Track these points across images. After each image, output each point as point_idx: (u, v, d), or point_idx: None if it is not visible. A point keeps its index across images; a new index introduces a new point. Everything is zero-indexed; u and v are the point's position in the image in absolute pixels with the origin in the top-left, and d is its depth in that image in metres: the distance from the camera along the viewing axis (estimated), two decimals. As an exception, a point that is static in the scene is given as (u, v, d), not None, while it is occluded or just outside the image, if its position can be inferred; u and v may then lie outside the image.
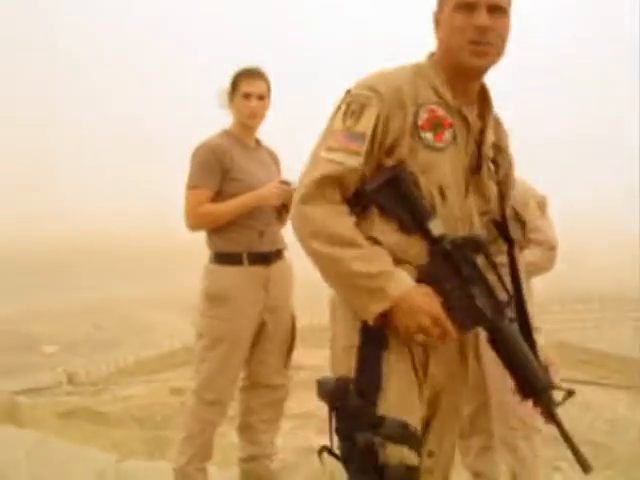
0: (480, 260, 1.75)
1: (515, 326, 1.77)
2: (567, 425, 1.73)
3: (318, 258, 1.70)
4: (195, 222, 3.09)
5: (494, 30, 1.70)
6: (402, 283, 1.65)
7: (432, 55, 1.83)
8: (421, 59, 1.85)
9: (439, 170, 1.73)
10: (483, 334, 1.81)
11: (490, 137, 1.85)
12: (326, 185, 1.70)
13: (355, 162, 1.69)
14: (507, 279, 1.86)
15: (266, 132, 3.34)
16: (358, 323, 1.70)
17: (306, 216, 1.71)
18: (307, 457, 4.37)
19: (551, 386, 1.74)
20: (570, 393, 1.73)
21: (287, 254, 3.25)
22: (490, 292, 1.73)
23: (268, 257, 3.10)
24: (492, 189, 1.86)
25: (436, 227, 1.70)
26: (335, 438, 1.70)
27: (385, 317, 1.66)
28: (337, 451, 1.71)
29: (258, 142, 3.29)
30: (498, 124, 1.93)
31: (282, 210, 3.20)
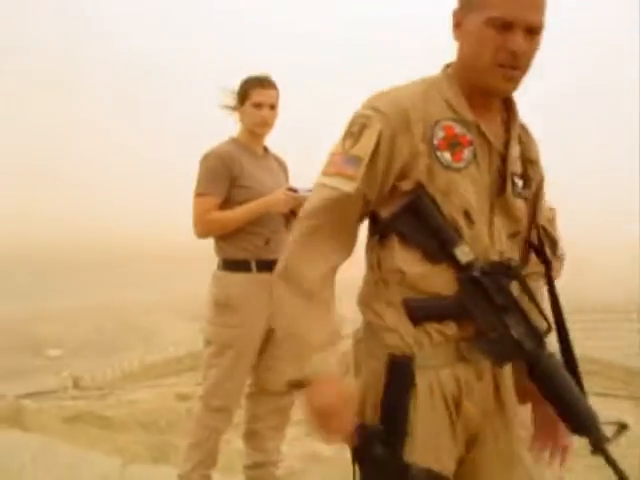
0: (514, 286, 1.62)
1: (556, 357, 1.61)
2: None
3: (279, 299, 1.64)
4: (203, 229, 3.09)
5: (527, 54, 1.53)
6: (322, 366, 1.51)
7: (447, 67, 1.66)
8: (435, 72, 1.67)
9: (461, 192, 1.57)
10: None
11: (515, 151, 1.67)
12: (319, 225, 1.57)
13: (349, 188, 1.53)
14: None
15: (274, 139, 3.35)
16: (384, 357, 1.58)
17: (290, 257, 1.64)
18: (313, 464, 4.37)
19: (601, 421, 1.58)
20: (623, 427, 1.61)
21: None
22: (527, 321, 1.58)
23: (276, 264, 3.10)
24: (521, 208, 1.68)
25: (463, 253, 1.55)
26: None
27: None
28: None
29: (266, 149, 3.30)
30: (526, 134, 1.74)
31: (290, 217, 3.21)
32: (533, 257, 1.78)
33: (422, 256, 1.56)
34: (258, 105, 3.12)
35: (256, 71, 3.22)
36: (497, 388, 1.67)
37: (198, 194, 3.07)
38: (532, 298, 1.65)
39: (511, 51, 1.50)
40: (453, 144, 1.57)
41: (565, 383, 1.57)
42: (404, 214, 1.56)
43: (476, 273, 1.56)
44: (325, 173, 1.60)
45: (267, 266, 3.08)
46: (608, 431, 1.57)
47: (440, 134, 1.56)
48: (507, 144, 1.64)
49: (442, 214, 1.55)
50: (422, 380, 1.55)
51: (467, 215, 1.57)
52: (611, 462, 1.53)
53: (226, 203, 3.06)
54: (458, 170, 1.57)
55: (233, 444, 4.23)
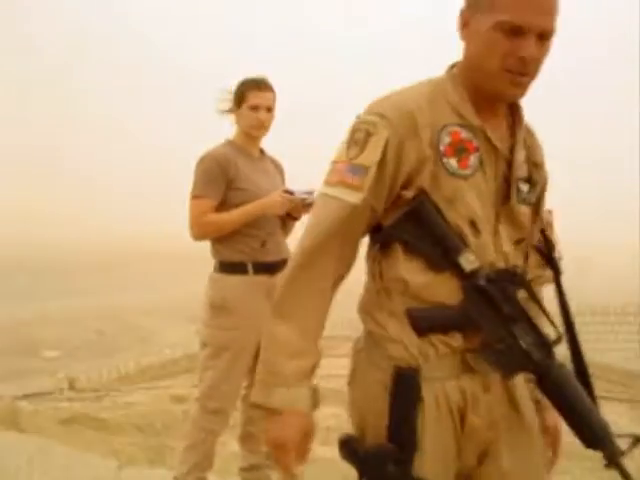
0: (520, 294, 1.56)
1: (567, 367, 1.55)
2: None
3: (268, 327, 1.57)
4: (199, 232, 3.10)
5: (536, 59, 1.46)
6: (288, 401, 1.48)
7: (452, 68, 1.59)
8: (440, 74, 1.61)
9: (467, 200, 1.50)
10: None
11: (521, 155, 1.61)
12: (322, 245, 1.49)
13: (355, 199, 1.46)
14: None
15: (269, 141, 3.35)
16: (389, 369, 1.52)
17: (284, 297, 1.55)
18: (309, 466, 4.36)
19: (614, 433, 1.52)
20: (638, 440, 1.52)
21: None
22: (535, 330, 1.52)
23: (273, 267, 3.11)
24: (525, 214, 1.63)
25: (468, 261, 1.49)
26: None
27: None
28: None
29: (262, 152, 3.30)
30: (531, 137, 1.69)
31: (286, 219, 3.21)
32: (532, 261, 1.72)
33: (425, 265, 1.51)
34: (255, 108, 3.13)
35: (258, 64, 3.22)
36: (511, 399, 1.61)
37: (194, 196, 3.08)
38: (540, 306, 1.61)
39: (520, 57, 1.44)
40: (459, 150, 1.51)
41: (576, 394, 1.52)
42: (406, 221, 1.50)
43: (481, 281, 1.50)
44: (328, 183, 1.53)
45: (264, 268, 3.09)
46: (622, 444, 1.51)
47: (446, 140, 1.50)
48: (513, 149, 1.59)
49: (446, 222, 1.49)
50: (428, 392, 1.50)
51: (473, 224, 1.51)
52: (626, 476, 1.48)
53: (222, 205, 3.06)
54: (464, 177, 1.51)
55: (229, 446, 4.22)
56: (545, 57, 1.49)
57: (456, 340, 1.52)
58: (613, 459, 1.49)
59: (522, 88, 1.51)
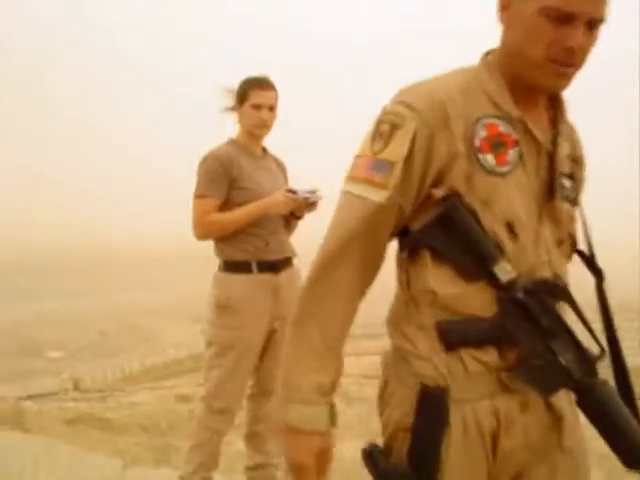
0: (560, 305, 1.43)
1: (609, 385, 1.41)
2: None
3: (288, 342, 1.43)
4: (202, 231, 3.10)
5: (584, 49, 1.34)
6: (305, 419, 1.39)
7: (487, 55, 1.46)
8: (474, 61, 1.47)
9: (505, 200, 1.37)
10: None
11: (564, 149, 1.48)
12: (345, 250, 1.37)
13: (380, 197, 1.34)
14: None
15: (272, 140, 3.34)
16: (415, 387, 1.40)
17: (304, 306, 1.41)
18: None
19: None
20: None
21: (296, 262, 3.25)
22: (576, 345, 1.39)
23: (277, 265, 3.11)
24: (568, 211, 1.50)
25: (504, 271, 1.36)
26: None
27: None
28: None
29: (265, 150, 3.30)
30: (572, 130, 1.56)
31: (290, 219, 3.21)
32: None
33: (456, 274, 1.38)
34: (257, 107, 3.12)
35: (257, 66, 3.22)
36: (553, 419, 1.47)
37: (197, 196, 3.07)
38: (583, 320, 1.44)
39: (567, 47, 1.31)
40: (496, 145, 1.37)
41: (620, 413, 1.38)
42: (436, 226, 1.37)
43: (519, 293, 1.37)
44: (350, 179, 1.40)
45: (268, 267, 3.09)
46: None
47: (482, 133, 1.36)
48: (555, 142, 1.45)
49: (480, 226, 1.36)
50: (456, 415, 1.37)
51: (510, 227, 1.38)
52: None
53: (225, 205, 3.06)
54: (502, 175, 1.37)
55: (234, 446, 4.22)
56: (592, 47, 1.36)
57: (490, 356, 1.38)
58: None
59: (567, 80, 1.38)
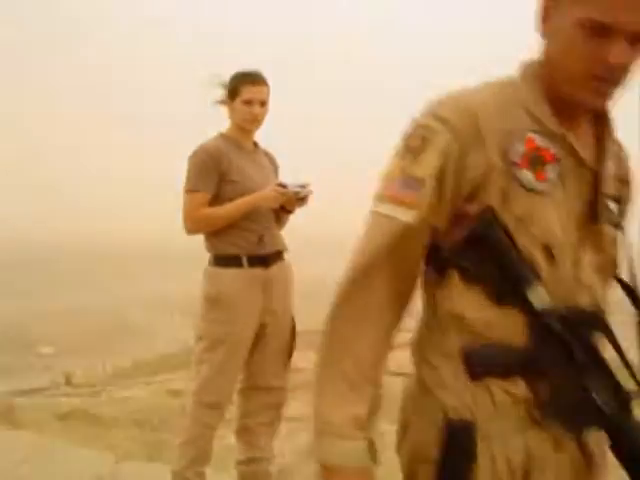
0: (595, 337, 1.32)
1: None
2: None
3: (315, 377, 1.32)
4: (193, 226, 3.10)
5: (627, 65, 1.23)
6: (340, 456, 1.26)
7: (526, 66, 1.36)
8: (513, 73, 1.37)
9: (543, 220, 1.27)
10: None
11: (610, 168, 1.36)
12: (372, 277, 1.27)
13: (410, 217, 1.24)
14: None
15: (264, 135, 3.35)
16: (439, 421, 1.30)
17: (331, 333, 1.30)
18: (305, 460, 4.37)
19: None
20: None
21: (286, 256, 3.25)
22: (612, 382, 1.28)
23: (267, 259, 3.11)
24: (612, 236, 1.38)
25: (539, 297, 1.25)
26: None
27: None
28: None
29: (255, 145, 3.30)
30: (619, 148, 1.44)
31: (281, 213, 3.21)
32: None
33: (487, 297, 1.28)
34: (248, 102, 3.12)
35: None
36: (587, 460, 1.36)
37: (187, 190, 3.07)
38: (621, 354, 1.33)
39: (606, 63, 1.21)
40: (535, 160, 1.27)
41: None
42: (468, 245, 1.27)
43: (553, 322, 1.25)
44: (378, 198, 1.30)
45: (258, 261, 3.09)
46: None
47: (520, 148, 1.27)
48: (599, 161, 1.33)
49: (515, 247, 1.26)
50: (484, 452, 1.27)
51: (547, 250, 1.27)
52: None
53: (216, 199, 3.06)
54: (540, 193, 1.27)
55: (226, 440, 4.23)
56: (637, 62, 1.25)
57: (519, 388, 1.28)
58: None
59: (606, 98, 1.28)
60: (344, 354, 1.27)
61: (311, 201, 3.20)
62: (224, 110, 3.24)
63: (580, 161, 1.31)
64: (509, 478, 1.29)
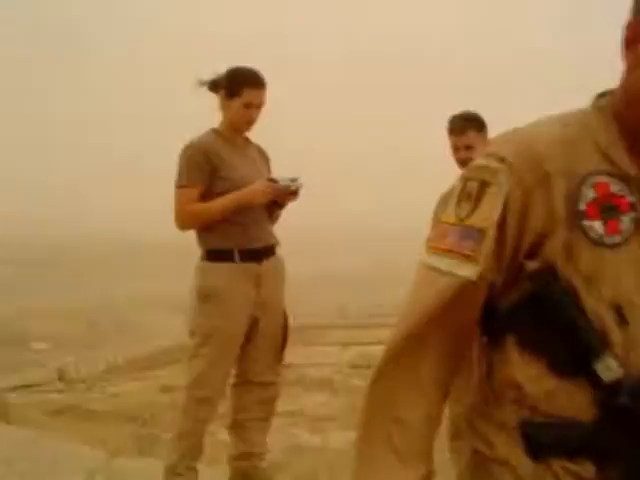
0: None
1: None
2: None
3: (355, 449, 1.21)
4: (184, 221, 3.10)
5: None
6: None
7: (601, 98, 1.19)
8: (585, 106, 1.20)
9: (614, 278, 1.10)
10: None
11: None
12: (424, 339, 1.15)
13: (470, 272, 1.09)
14: None
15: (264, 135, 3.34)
16: None
17: (373, 398, 1.18)
18: (297, 455, 4.39)
19: None
20: None
21: (279, 250, 3.26)
22: None
23: (260, 253, 3.11)
24: None
25: (608, 368, 1.08)
26: None
27: None
28: None
29: (247, 139, 3.29)
30: None
31: (272, 208, 3.21)
32: None
33: (548, 367, 1.12)
34: (249, 105, 3.10)
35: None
36: None
37: (179, 186, 3.07)
38: None
39: None
40: (607, 209, 1.10)
41: None
42: (526, 307, 1.13)
43: (624, 397, 1.08)
44: (432, 249, 1.16)
45: (250, 255, 3.09)
46: None
47: (589, 194, 1.10)
48: None
49: (582, 309, 1.09)
50: None
51: (619, 312, 1.10)
52: None
53: (207, 194, 3.05)
54: (612, 247, 1.10)
55: (218, 435, 4.24)
56: None
57: (586, 470, 1.11)
58: None
59: None
60: (390, 424, 1.16)
61: (302, 195, 3.20)
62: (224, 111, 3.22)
63: None
64: None
